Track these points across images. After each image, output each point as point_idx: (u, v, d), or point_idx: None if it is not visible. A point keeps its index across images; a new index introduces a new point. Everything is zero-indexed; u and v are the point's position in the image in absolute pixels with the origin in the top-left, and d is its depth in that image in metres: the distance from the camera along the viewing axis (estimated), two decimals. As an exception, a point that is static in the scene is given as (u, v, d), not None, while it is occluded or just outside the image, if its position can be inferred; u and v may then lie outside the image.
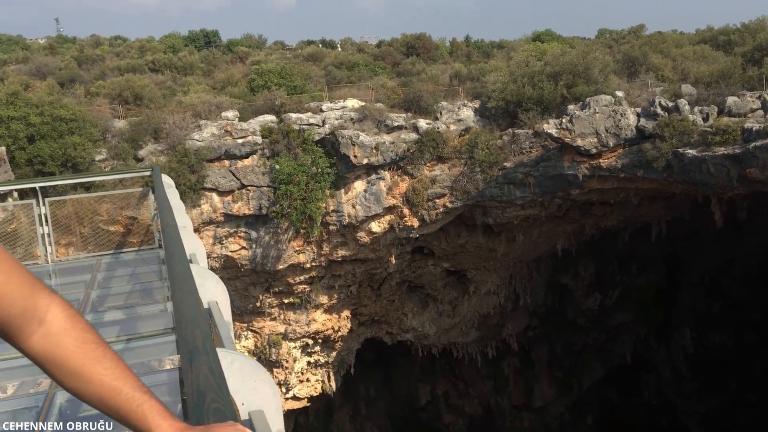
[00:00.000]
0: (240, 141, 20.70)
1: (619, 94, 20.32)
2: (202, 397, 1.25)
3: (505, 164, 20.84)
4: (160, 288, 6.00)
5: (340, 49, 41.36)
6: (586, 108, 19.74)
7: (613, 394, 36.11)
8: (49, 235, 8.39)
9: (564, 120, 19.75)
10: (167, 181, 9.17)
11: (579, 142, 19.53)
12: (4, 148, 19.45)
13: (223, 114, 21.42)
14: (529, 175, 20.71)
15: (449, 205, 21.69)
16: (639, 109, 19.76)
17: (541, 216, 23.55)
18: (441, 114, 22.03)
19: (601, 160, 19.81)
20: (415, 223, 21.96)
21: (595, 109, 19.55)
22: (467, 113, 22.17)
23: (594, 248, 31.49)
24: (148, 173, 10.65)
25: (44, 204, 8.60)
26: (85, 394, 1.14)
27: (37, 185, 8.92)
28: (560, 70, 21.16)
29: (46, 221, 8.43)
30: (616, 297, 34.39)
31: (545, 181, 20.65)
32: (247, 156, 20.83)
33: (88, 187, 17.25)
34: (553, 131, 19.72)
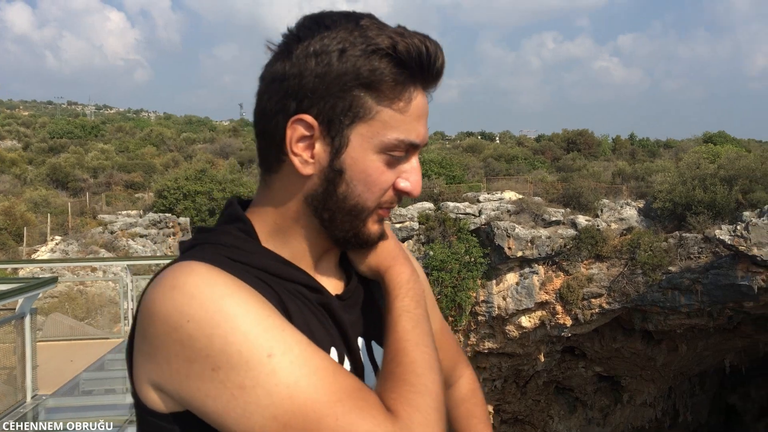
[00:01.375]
0: (398, 226, 21.39)
1: (804, 202, 18.80)
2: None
3: (669, 268, 19.76)
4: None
5: (498, 142, 41.97)
6: (765, 216, 18.40)
7: None
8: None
9: (739, 227, 18.51)
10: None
11: (755, 251, 18.13)
12: (188, 219, 21.50)
13: (384, 199, 22.33)
14: (696, 282, 19.43)
15: (606, 306, 20.76)
16: (828, 220, 18.09)
17: (709, 327, 21.80)
18: (602, 211, 21.48)
19: (780, 272, 18.20)
20: (568, 322, 21.18)
21: (776, 217, 18.18)
22: (630, 212, 21.45)
23: (768, 368, 28.47)
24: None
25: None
26: None
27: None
28: (736, 174, 20.03)
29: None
30: (794, 426, 30.49)
31: (715, 290, 19.25)
32: (403, 241, 21.42)
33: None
34: (726, 238, 18.52)
